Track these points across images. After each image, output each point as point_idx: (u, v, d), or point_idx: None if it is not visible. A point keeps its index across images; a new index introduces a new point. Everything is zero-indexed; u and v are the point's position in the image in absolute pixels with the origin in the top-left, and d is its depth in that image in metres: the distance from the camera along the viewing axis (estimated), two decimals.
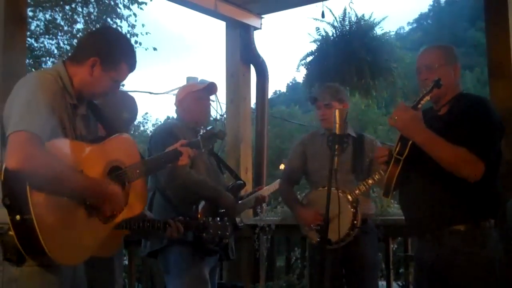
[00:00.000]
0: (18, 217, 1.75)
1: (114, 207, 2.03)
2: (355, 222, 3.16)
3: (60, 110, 1.94)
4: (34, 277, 1.87)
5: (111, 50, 2.07)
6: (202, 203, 2.95)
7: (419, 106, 2.38)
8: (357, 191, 3.19)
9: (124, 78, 2.15)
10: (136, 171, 2.17)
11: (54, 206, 1.82)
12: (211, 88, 3.29)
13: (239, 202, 3.28)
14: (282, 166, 3.90)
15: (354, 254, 3.22)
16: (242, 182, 3.38)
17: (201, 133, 2.61)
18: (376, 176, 3.14)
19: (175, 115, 3.47)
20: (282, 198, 3.90)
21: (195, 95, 3.25)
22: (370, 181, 3.19)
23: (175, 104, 3.35)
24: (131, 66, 2.15)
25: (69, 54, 2.18)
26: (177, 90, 3.44)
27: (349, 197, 3.17)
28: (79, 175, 1.89)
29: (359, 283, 3.32)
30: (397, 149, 2.41)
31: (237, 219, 3.22)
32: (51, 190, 1.80)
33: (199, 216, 2.87)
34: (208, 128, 2.69)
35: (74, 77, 2.04)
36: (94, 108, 2.22)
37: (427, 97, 2.38)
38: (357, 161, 3.37)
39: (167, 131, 3.10)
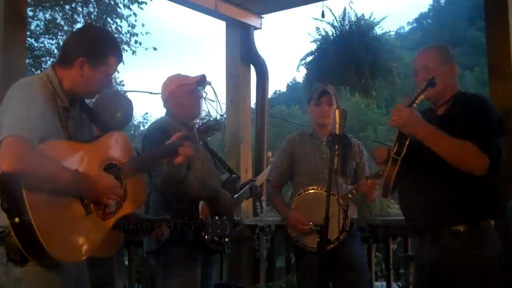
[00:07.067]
0: (17, 219, 1.77)
1: (111, 197, 2.04)
2: (344, 225, 3.16)
3: (51, 113, 1.96)
4: (38, 276, 1.89)
5: (96, 47, 2.10)
6: (202, 202, 2.94)
7: (414, 105, 2.36)
8: (349, 195, 3.19)
9: (114, 70, 2.18)
10: (132, 167, 2.17)
11: (51, 206, 1.85)
12: (202, 81, 3.18)
13: (235, 196, 3.26)
14: (270, 154, 3.90)
15: (342, 257, 3.20)
16: (236, 175, 3.37)
17: (197, 127, 2.58)
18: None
19: None
20: (270, 201, 3.87)
21: (186, 88, 3.13)
22: (361, 188, 3.16)
23: (162, 97, 3.21)
24: (119, 57, 2.18)
25: (57, 58, 2.20)
26: (164, 82, 3.24)
27: (341, 200, 3.13)
28: (71, 172, 1.90)
29: (350, 287, 3.27)
30: (395, 149, 2.40)
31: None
32: (46, 190, 1.82)
33: (199, 215, 2.87)
34: (204, 121, 2.67)
35: (63, 80, 2.07)
36: (87, 110, 2.24)
37: (422, 96, 2.36)
38: (346, 164, 3.32)
39: (158, 129, 3.05)
